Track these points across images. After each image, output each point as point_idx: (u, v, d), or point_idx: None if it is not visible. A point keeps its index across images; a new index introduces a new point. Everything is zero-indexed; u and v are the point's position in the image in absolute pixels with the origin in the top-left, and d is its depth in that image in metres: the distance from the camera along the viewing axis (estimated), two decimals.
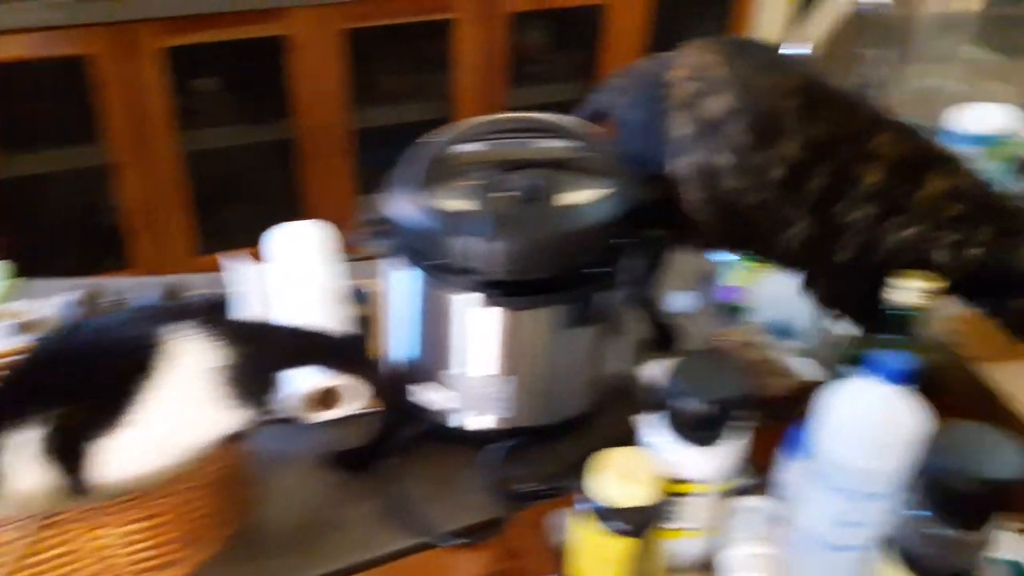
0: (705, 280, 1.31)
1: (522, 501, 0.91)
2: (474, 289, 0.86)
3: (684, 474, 0.78)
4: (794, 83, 0.96)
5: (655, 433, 0.79)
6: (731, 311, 1.26)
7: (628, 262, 0.93)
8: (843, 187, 0.94)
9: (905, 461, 0.71)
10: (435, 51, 2.50)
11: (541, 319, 0.89)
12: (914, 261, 0.94)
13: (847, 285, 1.00)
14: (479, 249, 0.83)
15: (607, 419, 1.00)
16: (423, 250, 0.88)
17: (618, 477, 0.74)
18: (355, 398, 0.98)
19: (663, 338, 1.19)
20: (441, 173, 0.89)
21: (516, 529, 0.89)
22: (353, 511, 0.93)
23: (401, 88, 2.61)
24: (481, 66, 2.49)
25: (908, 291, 0.83)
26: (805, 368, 1.08)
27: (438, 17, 2.40)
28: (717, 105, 0.95)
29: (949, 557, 0.70)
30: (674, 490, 0.79)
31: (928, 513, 0.69)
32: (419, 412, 0.98)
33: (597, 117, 1.11)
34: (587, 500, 0.76)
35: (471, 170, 0.89)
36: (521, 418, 0.96)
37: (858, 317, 1.02)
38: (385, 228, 0.89)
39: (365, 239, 0.91)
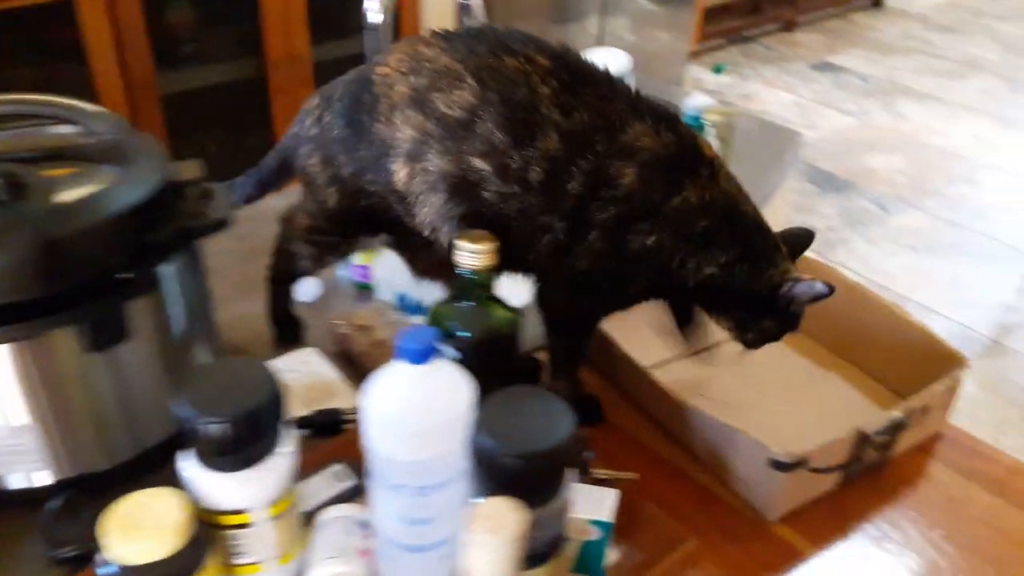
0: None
1: (77, 565, 0.75)
2: None
3: (229, 504, 0.66)
4: (544, 65, 0.83)
5: (189, 464, 0.66)
6: (362, 291, 1.16)
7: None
8: (600, 187, 0.83)
9: (454, 445, 0.63)
10: (63, 37, 2.19)
11: (52, 347, 0.73)
12: (653, 269, 0.86)
13: (582, 294, 0.90)
14: None
15: None
16: None
17: (127, 530, 0.61)
18: None
19: (288, 331, 1.07)
20: None
21: None
22: None
23: (26, 82, 2.27)
24: (119, 50, 2.21)
25: (467, 254, 0.76)
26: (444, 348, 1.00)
27: None
28: (455, 100, 0.82)
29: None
30: (228, 523, 0.67)
31: (482, 500, 0.62)
32: None
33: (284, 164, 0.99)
34: (105, 562, 0.62)
35: None
36: (73, 467, 0.79)
37: (582, 328, 0.95)
38: None
39: None
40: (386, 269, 1.07)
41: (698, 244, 0.85)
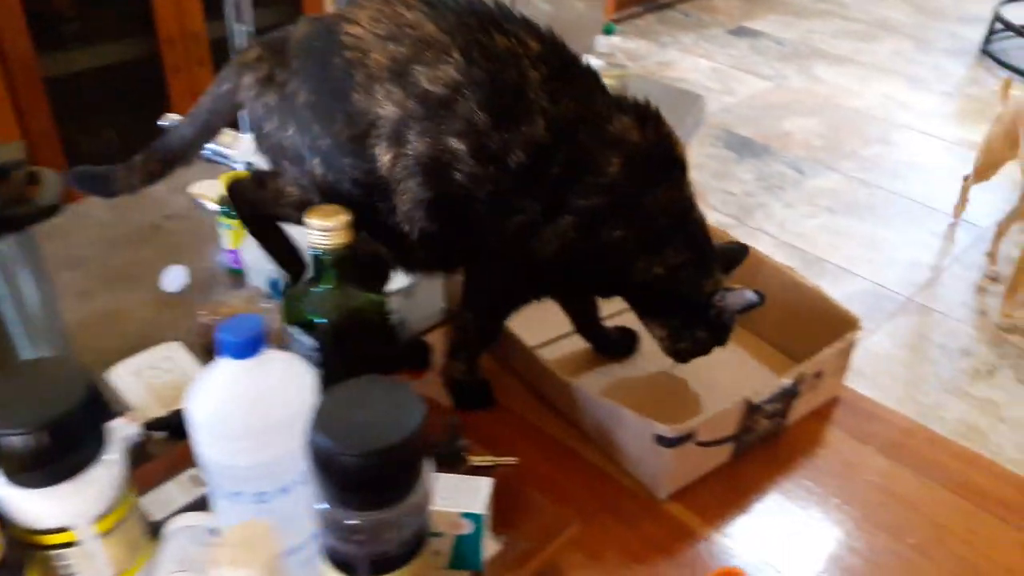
0: (209, 246, 1.13)
1: None
2: None
3: (46, 523, 0.59)
4: (534, 49, 0.77)
5: None
6: (235, 277, 1.09)
7: None
8: (585, 173, 0.79)
9: (293, 445, 0.57)
10: None
11: None
12: (610, 262, 0.84)
13: (531, 280, 0.87)
14: None
15: None
16: None
17: None
18: None
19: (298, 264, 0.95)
20: None
21: None
22: None
23: None
24: None
25: (318, 232, 0.69)
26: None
27: None
28: (439, 76, 0.74)
29: (370, 544, 0.58)
30: (49, 543, 0.60)
31: (326, 504, 0.56)
32: None
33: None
34: None
35: None
36: None
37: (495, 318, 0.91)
38: None
39: None
40: (255, 253, 1.00)
41: (655, 243, 0.84)
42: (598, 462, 0.86)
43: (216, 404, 0.56)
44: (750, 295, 0.85)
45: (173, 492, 0.76)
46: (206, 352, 0.95)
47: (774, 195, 2.96)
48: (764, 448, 0.88)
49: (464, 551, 0.71)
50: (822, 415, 0.93)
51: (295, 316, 0.73)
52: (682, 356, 0.92)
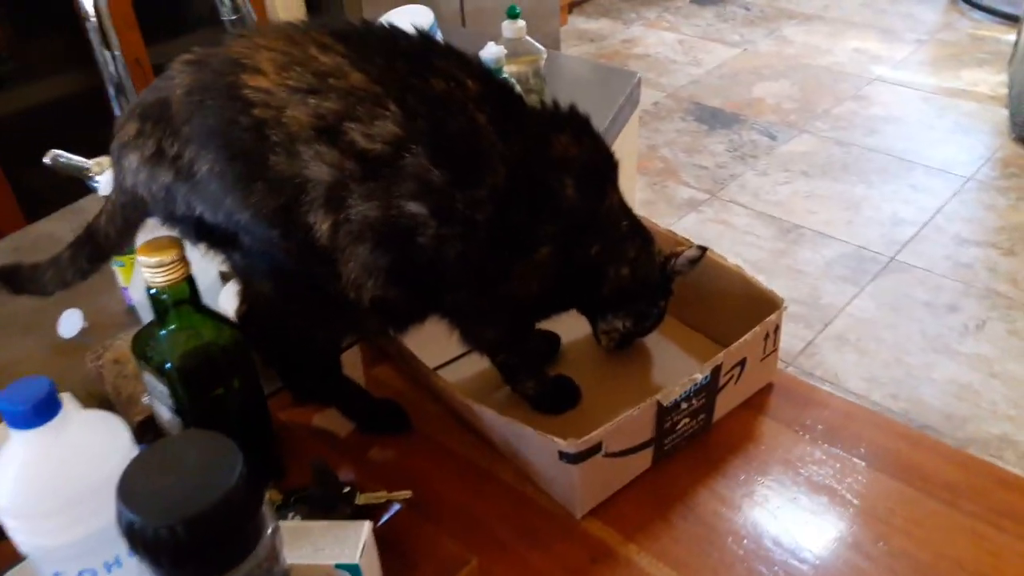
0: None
1: None
2: None
3: None
4: (474, 89, 0.72)
5: None
6: (134, 316, 1.03)
7: None
8: (544, 208, 0.76)
9: (107, 517, 0.51)
10: None
11: None
12: (589, 283, 0.84)
13: (523, 322, 0.86)
14: None
15: None
16: None
17: None
18: None
19: None
20: None
21: None
22: None
23: None
24: None
25: (151, 270, 0.63)
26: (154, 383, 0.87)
27: None
28: (377, 132, 0.66)
29: None
30: None
31: None
32: None
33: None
34: None
35: None
36: None
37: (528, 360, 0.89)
38: None
39: None
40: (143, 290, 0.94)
41: (626, 244, 0.84)
42: (515, 483, 0.80)
43: (12, 484, 0.50)
44: (694, 252, 0.87)
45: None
46: (94, 400, 0.89)
47: (747, 164, 2.88)
48: (691, 449, 0.81)
49: None
50: (754, 405, 0.86)
51: (145, 362, 0.67)
52: (647, 332, 0.91)
